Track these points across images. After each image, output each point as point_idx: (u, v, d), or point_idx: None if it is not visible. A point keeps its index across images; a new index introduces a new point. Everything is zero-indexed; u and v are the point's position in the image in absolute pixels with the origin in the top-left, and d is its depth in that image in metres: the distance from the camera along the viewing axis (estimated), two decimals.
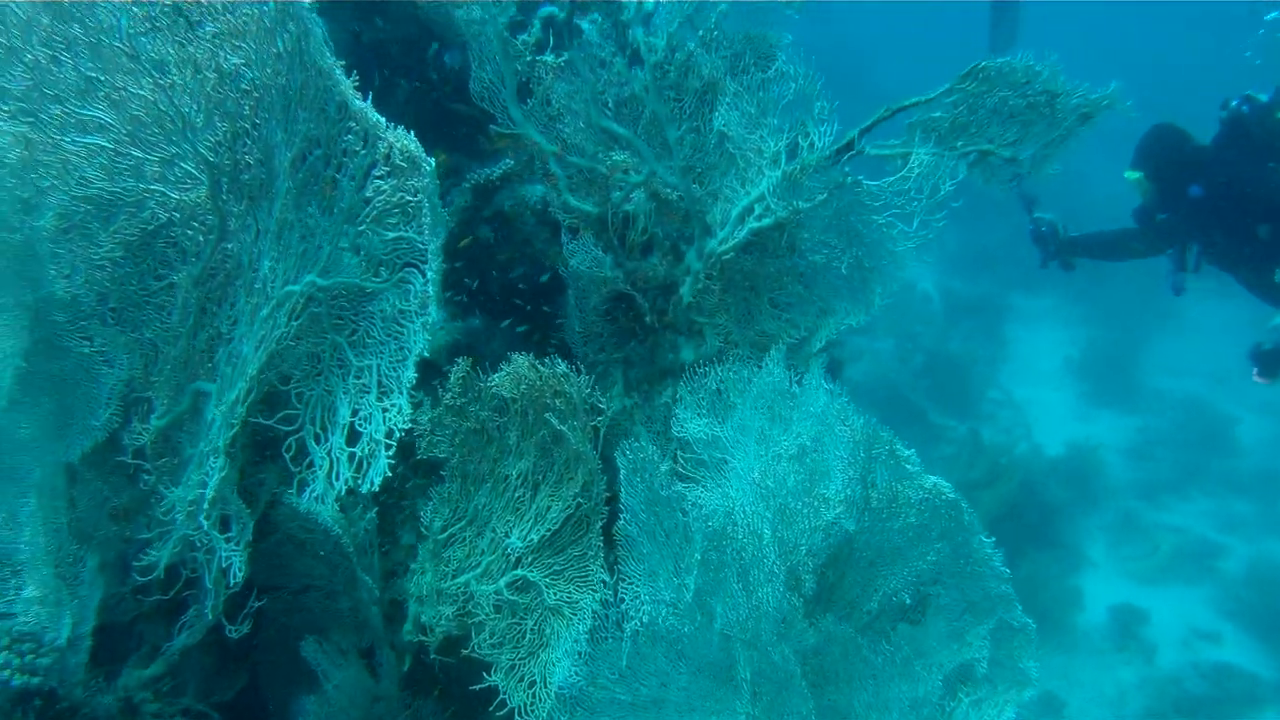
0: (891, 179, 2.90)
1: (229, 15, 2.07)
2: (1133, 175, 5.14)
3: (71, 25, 2.09)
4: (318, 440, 2.24)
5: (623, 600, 2.59)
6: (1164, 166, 5.01)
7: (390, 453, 2.11)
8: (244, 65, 2.13)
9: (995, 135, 3.04)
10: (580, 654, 2.55)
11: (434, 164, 1.98)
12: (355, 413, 2.19)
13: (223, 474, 2.25)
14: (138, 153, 2.26)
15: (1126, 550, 10.43)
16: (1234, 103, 4.84)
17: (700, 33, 3.14)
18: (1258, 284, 4.88)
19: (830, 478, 2.50)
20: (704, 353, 3.28)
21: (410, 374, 2.10)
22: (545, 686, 2.63)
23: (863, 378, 11.67)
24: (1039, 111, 3.02)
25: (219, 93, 2.19)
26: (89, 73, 2.12)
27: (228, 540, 2.40)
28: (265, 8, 2.04)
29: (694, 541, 2.46)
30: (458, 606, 2.83)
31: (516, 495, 2.81)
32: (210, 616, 2.50)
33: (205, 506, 2.26)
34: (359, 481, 2.12)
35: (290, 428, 2.30)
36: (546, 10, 3.62)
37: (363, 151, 2.04)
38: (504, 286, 3.34)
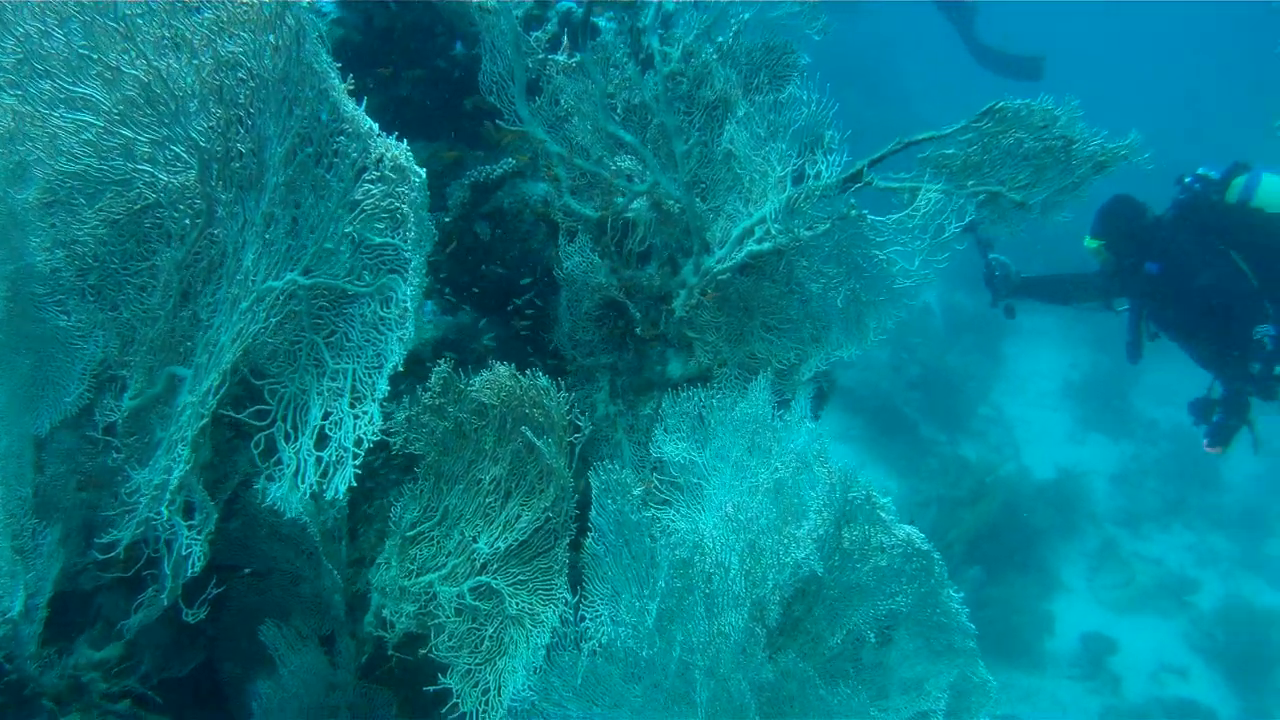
0: (898, 215, 2.85)
1: (228, 3, 2.02)
2: (1092, 244, 5.26)
3: (65, 1, 2.04)
4: (288, 439, 2.21)
5: (584, 619, 2.57)
6: (1121, 239, 5.13)
7: (358, 462, 2.08)
8: (241, 54, 2.08)
9: (1007, 177, 2.99)
10: (537, 668, 2.54)
11: (424, 175, 1.94)
12: (327, 415, 2.15)
13: (188, 465, 2.22)
14: (128, 132, 2.22)
15: (1104, 578, 10.45)
16: (1188, 179, 4.97)
17: (719, 40, 3.09)
18: (1206, 359, 5.04)
19: (805, 516, 2.47)
20: (692, 368, 3.24)
21: (384, 386, 2.06)
22: (499, 695, 2.61)
23: (855, 385, 11.65)
24: (1054, 156, 2.96)
25: (214, 79, 2.14)
26: (81, 50, 2.07)
27: (190, 528, 2.38)
28: None
29: (660, 567, 2.43)
30: (419, 605, 2.82)
31: (488, 501, 2.78)
32: (166, 602, 2.48)
33: (168, 495, 2.23)
34: (323, 487, 2.09)
35: (262, 423, 2.27)
36: (565, 4, 3.56)
37: (354, 154, 1.99)
38: (497, 284, 3.30)
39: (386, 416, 2.51)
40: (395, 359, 2.04)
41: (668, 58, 2.94)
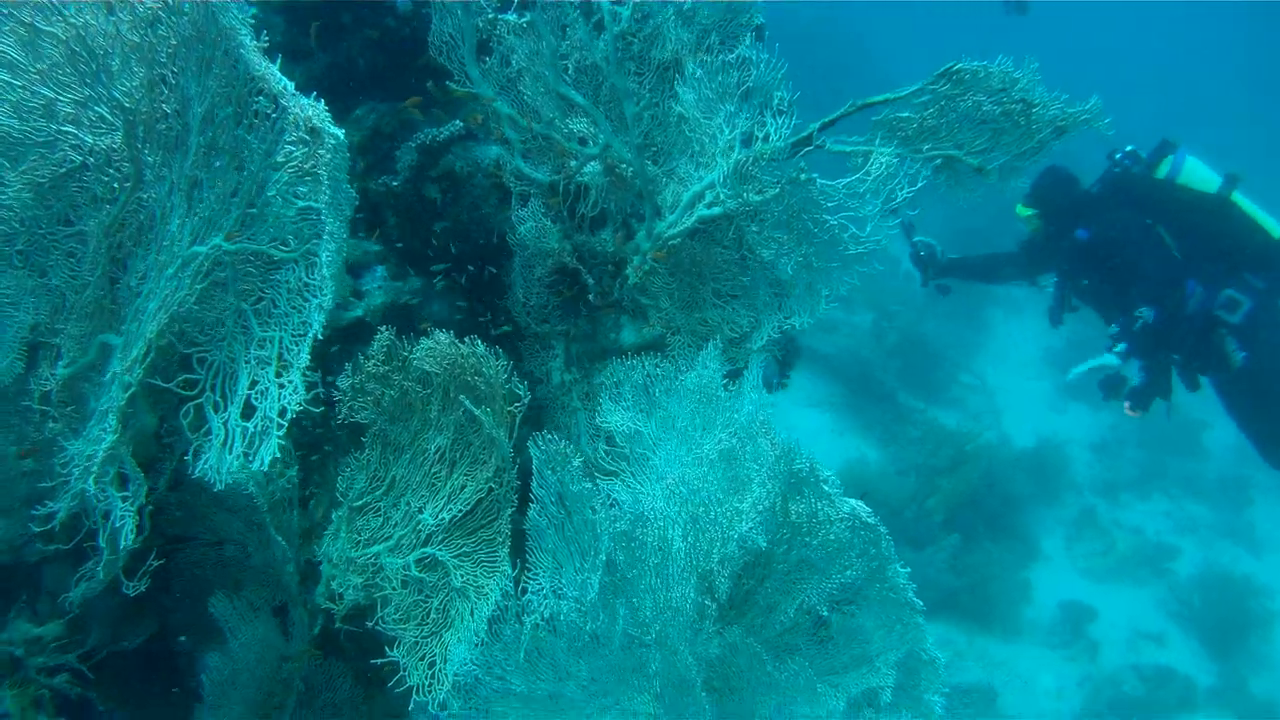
0: (848, 180, 2.79)
1: None
2: (1025, 211, 5.45)
3: None
4: (216, 409, 2.16)
5: (525, 591, 2.53)
6: (1054, 208, 5.31)
7: (281, 433, 2.03)
8: (159, 9, 2.01)
9: (965, 141, 2.93)
10: (479, 641, 2.51)
11: (342, 136, 1.88)
12: (254, 384, 2.10)
13: (115, 435, 2.17)
14: (48, 92, 2.15)
15: (1082, 547, 10.49)
16: (1118, 155, 5.16)
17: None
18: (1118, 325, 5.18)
19: (749, 488, 2.43)
20: (646, 335, 3.19)
21: (306, 356, 2.01)
22: (445, 666, 2.59)
23: (835, 351, 11.61)
24: (1013, 120, 2.90)
25: (134, 36, 2.07)
26: None
27: (124, 499, 2.33)
28: None
29: (602, 540, 2.40)
30: (366, 577, 2.78)
31: (434, 470, 2.74)
32: (102, 576, 2.43)
33: (96, 468, 2.18)
34: (249, 459, 2.04)
35: (191, 393, 2.22)
36: None
37: (274, 115, 1.93)
38: (449, 249, 3.24)
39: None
40: (316, 327, 1.99)
41: (617, 16, 2.87)
